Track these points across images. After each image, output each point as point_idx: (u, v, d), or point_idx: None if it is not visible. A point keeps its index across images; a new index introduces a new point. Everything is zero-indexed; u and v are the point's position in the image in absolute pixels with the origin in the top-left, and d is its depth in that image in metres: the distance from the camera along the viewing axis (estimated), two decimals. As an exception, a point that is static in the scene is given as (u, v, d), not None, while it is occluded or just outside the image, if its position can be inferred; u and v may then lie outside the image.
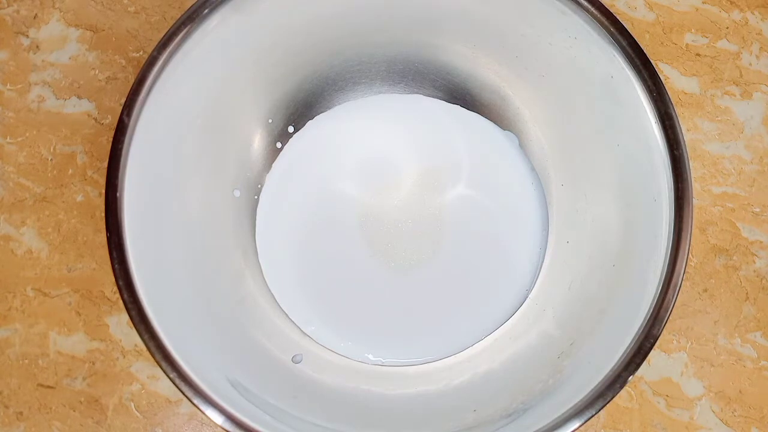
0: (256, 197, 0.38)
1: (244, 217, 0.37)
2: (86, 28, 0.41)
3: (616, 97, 0.31)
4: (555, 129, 0.37)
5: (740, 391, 0.38)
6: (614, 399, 0.37)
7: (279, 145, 0.38)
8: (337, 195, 0.38)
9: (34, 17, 0.41)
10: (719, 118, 0.41)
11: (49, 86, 0.40)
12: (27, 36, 0.40)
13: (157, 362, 0.27)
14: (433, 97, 0.39)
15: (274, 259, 0.37)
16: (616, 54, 0.30)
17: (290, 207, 0.38)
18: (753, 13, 0.43)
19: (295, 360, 0.35)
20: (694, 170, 0.41)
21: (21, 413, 0.36)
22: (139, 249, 0.28)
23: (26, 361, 0.37)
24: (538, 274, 0.37)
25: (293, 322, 0.36)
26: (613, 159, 0.33)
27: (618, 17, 0.30)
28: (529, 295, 0.36)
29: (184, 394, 0.27)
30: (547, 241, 0.37)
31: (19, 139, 0.39)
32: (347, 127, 0.39)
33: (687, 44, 0.42)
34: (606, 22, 0.30)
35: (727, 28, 0.42)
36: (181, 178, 0.33)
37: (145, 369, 0.37)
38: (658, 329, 0.28)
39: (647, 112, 0.30)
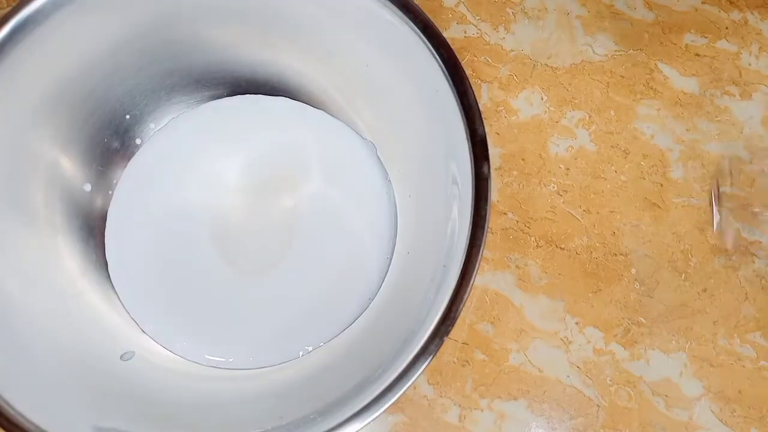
0: (110, 192, 0.37)
1: (94, 212, 0.37)
2: None
3: (443, 112, 0.30)
4: (398, 144, 0.37)
5: (739, 391, 0.38)
6: (614, 399, 0.37)
7: (138, 141, 0.38)
8: (189, 197, 0.38)
9: None
10: (719, 118, 0.41)
11: None
12: None
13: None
14: (287, 97, 0.39)
15: (122, 256, 0.37)
16: (438, 69, 0.29)
17: (142, 206, 0.38)
18: (752, 13, 0.43)
19: (125, 357, 0.34)
20: (693, 170, 0.41)
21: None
22: None
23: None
24: (383, 283, 0.36)
25: (133, 319, 0.36)
26: (448, 174, 0.32)
27: (441, 32, 0.29)
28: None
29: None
30: (394, 250, 0.37)
31: None
32: (207, 127, 0.39)
33: (686, 44, 0.42)
34: (425, 36, 0.29)
35: (727, 28, 0.42)
36: (22, 170, 0.32)
37: (145, 369, 0.37)
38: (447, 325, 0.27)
39: (462, 130, 0.29)
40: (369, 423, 0.25)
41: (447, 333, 0.27)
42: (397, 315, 0.32)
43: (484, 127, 0.29)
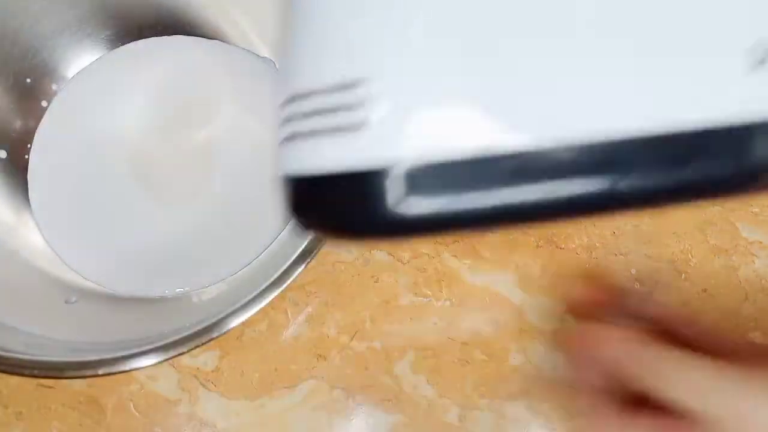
0: (26, 156, 0.39)
1: (14, 175, 0.39)
2: None
3: None
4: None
5: (739, 391, 0.38)
6: (613, 399, 0.37)
7: (44, 103, 0.40)
8: (107, 142, 0.40)
9: None
10: (719, 118, 0.41)
11: None
12: None
13: None
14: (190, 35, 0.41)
15: (50, 212, 0.39)
16: None
17: (62, 161, 0.40)
18: (752, 13, 0.43)
19: (69, 301, 0.36)
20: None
21: (20, 413, 0.36)
22: None
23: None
24: None
25: (71, 268, 0.38)
26: None
27: None
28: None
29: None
30: None
31: None
32: (110, 78, 0.41)
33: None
34: None
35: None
36: None
37: (145, 369, 0.37)
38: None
39: None
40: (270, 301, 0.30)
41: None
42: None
43: None
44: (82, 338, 0.33)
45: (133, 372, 0.37)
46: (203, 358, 0.37)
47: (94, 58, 0.41)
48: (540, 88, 0.14)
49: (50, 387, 0.37)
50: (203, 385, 0.37)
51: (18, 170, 0.39)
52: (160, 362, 0.29)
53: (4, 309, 0.33)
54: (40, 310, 0.36)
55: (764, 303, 0.39)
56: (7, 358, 0.30)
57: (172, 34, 0.41)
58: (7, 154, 0.39)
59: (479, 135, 0.14)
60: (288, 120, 0.15)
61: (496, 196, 0.14)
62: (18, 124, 0.39)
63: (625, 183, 0.14)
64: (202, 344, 0.30)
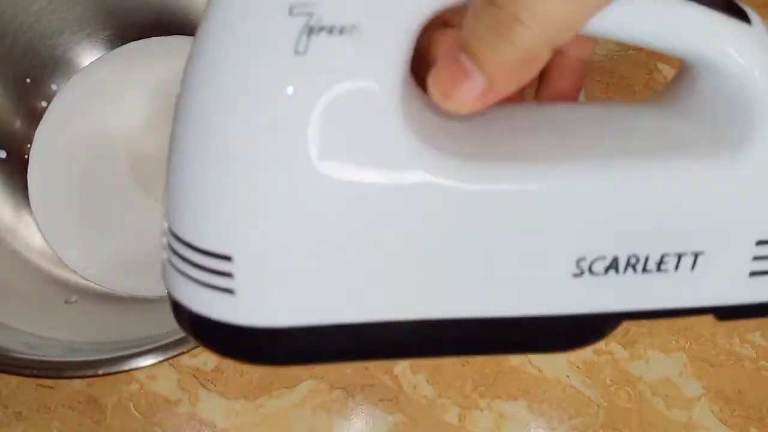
0: (26, 156, 0.39)
1: (14, 175, 0.39)
2: None
3: None
4: None
5: (739, 391, 0.38)
6: (614, 399, 0.37)
7: (44, 103, 0.40)
8: (107, 142, 0.40)
9: None
10: (718, 118, 0.41)
11: None
12: None
13: None
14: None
15: (50, 212, 0.39)
16: None
17: (62, 161, 0.40)
18: (752, 13, 0.43)
19: (69, 301, 0.36)
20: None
21: (20, 413, 0.36)
22: None
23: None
24: None
25: (70, 268, 0.38)
26: None
27: None
28: None
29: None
30: None
31: None
32: (110, 78, 0.41)
33: (686, 44, 0.42)
34: None
35: (727, 28, 0.43)
36: None
37: (145, 369, 0.37)
38: None
39: None
40: None
41: None
42: None
43: None
44: (82, 338, 0.33)
45: (133, 372, 0.37)
46: (203, 358, 0.37)
47: (94, 58, 0.41)
48: (384, 282, 0.17)
49: (50, 387, 0.37)
50: (203, 385, 0.37)
51: (18, 170, 0.39)
52: (160, 362, 0.29)
53: (4, 309, 0.33)
54: (40, 310, 0.36)
55: (764, 303, 0.39)
56: (7, 358, 0.30)
57: (172, 34, 0.41)
58: (7, 154, 0.39)
59: (327, 310, 0.17)
60: (169, 247, 0.17)
61: (338, 352, 0.19)
62: (18, 124, 0.39)
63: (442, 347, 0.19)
64: (202, 344, 0.30)
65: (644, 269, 0.18)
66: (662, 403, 0.37)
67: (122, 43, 0.41)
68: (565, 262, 0.18)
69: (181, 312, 0.18)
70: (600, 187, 0.18)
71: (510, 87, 0.17)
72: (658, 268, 0.18)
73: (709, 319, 0.40)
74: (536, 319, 0.18)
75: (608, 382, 0.38)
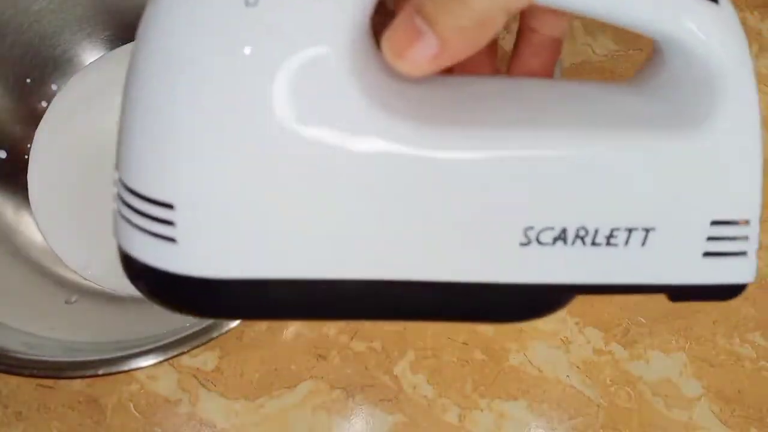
0: (26, 156, 0.39)
1: (14, 175, 0.39)
2: None
3: None
4: None
5: (739, 391, 0.38)
6: (614, 399, 0.37)
7: (44, 103, 0.40)
8: (107, 142, 0.39)
9: None
10: (718, 118, 0.41)
11: None
12: None
13: None
14: None
15: (50, 212, 0.39)
16: None
17: (62, 161, 0.39)
18: (752, 14, 0.43)
19: (69, 301, 0.36)
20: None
21: (20, 413, 0.36)
22: None
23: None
24: None
25: (71, 268, 0.38)
26: None
27: None
28: None
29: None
30: None
31: None
32: (110, 78, 0.41)
33: (686, 44, 0.42)
34: None
35: (727, 28, 0.43)
36: None
37: (145, 369, 0.37)
38: None
39: None
40: None
41: None
42: None
43: None
44: (82, 338, 0.33)
45: (133, 372, 0.37)
46: (203, 358, 0.37)
47: (94, 58, 0.41)
48: (336, 239, 0.17)
49: (50, 387, 0.37)
50: (203, 385, 0.37)
51: (18, 170, 0.39)
52: (160, 362, 0.29)
53: (4, 309, 0.33)
54: (40, 310, 0.36)
55: (764, 303, 0.39)
56: (7, 358, 0.30)
57: None
58: (7, 154, 0.39)
59: (268, 265, 0.17)
60: (119, 198, 0.18)
61: (281, 309, 0.19)
62: (18, 124, 0.39)
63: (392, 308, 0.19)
64: (202, 344, 0.30)
65: (593, 242, 0.18)
66: (662, 403, 0.37)
67: (122, 43, 0.41)
68: (513, 231, 0.18)
69: (127, 262, 0.18)
70: (551, 156, 0.17)
71: (463, 50, 0.17)
72: (608, 242, 0.18)
73: (709, 319, 0.40)
74: (484, 286, 0.18)
75: (608, 382, 0.38)
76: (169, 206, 0.17)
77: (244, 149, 0.16)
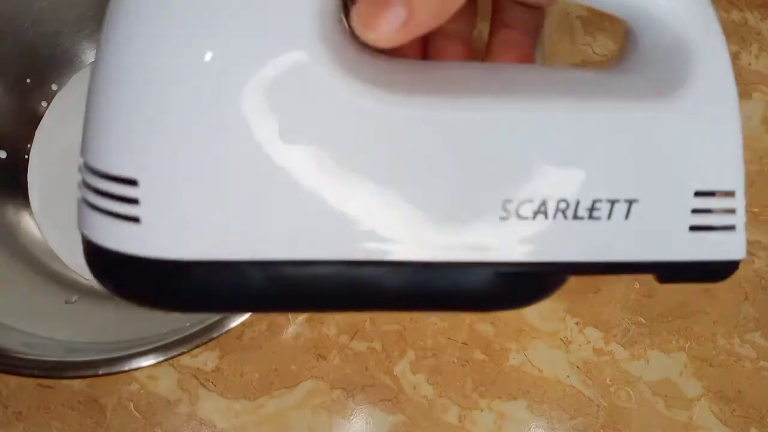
0: (26, 156, 0.39)
1: (14, 175, 0.39)
2: None
3: None
4: None
5: (739, 391, 0.38)
6: (614, 399, 0.37)
7: (44, 103, 0.40)
8: None
9: None
10: (718, 118, 0.41)
11: None
12: None
13: None
14: None
15: (50, 212, 0.39)
16: None
17: (62, 161, 0.39)
18: (752, 14, 0.43)
19: (69, 301, 0.36)
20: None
21: (20, 413, 0.36)
22: None
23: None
24: None
25: (71, 268, 0.38)
26: None
27: None
28: None
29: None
30: None
31: None
32: None
33: (686, 44, 0.42)
34: None
35: (727, 28, 0.42)
36: None
37: (145, 369, 0.37)
38: None
39: None
40: None
41: None
42: None
43: None
44: (82, 338, 0.33)
45: (133, 372, 0.37)
46: (203, 358, 0.37)
47: (94, 58, 0.41)
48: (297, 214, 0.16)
49: (50, 387, 0.37)
50: (203, 385, 0.37)
51: (18, 170, 0.39)
52: (160, 362, 0.29)
53: (4, 309, 0.33)
54: (40, 310, 0.36)
55: (764, 303, 0.39)
56: (7, 358, 0.30)
57: None
58: (7, 154, 0.39)
59: (240, 245, 0.16)
60: (82, 183, 0.17)
61: (250, 297, 0.18)
62: (18, 124, 0.39)
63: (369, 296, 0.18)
64: (202, 344, 0.30)
65: (575, 215, 0.17)
66: (662, 403, 0.37)
67: None
68: (492, 204, 0.17)
69: (88, 250, 0.17)
70: (525, 123, 0.17)
71: (431, 20, 0.17)
72: (590, 215, 0.17)
73: (709, 319, 0.40)
74: (465, 265, 0.17)
75: (608, 382, 0.38)
76: (133, 182, 0.16)
77: (209, 119, 0.16)
